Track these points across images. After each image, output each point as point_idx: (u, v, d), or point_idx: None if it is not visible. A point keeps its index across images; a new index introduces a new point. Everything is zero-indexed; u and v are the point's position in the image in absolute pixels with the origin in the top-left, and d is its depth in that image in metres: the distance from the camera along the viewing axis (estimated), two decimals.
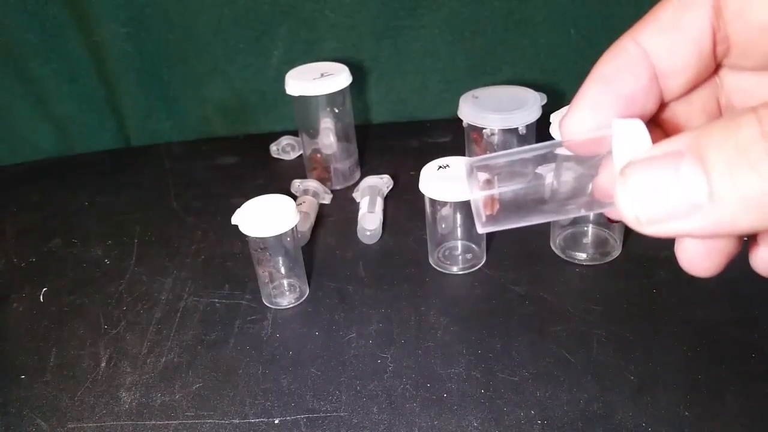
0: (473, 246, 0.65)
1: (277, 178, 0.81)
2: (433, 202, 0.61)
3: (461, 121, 0.73)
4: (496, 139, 0.73)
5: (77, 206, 0.80)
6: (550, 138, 0.58)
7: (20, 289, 0.66)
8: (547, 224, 0.65)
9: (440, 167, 0.60)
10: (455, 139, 0.79)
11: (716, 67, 0.24)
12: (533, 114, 0.70)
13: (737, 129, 0.18)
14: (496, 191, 0.25)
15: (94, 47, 0.83)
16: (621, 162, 0.22)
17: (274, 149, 0.87)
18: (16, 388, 0.54)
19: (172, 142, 0.93)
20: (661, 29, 0.24)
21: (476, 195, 0.25)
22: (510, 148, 0.75)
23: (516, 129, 0.70)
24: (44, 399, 0.53)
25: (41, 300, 0.64)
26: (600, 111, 0.24)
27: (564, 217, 0.29)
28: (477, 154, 0.74)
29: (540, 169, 0.25)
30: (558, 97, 0.84)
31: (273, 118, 0.92)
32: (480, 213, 0.25)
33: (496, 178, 0.25)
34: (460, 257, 0.65)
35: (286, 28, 0.84)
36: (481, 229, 0.26)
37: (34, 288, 0.66)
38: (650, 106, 0.25)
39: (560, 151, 0.26)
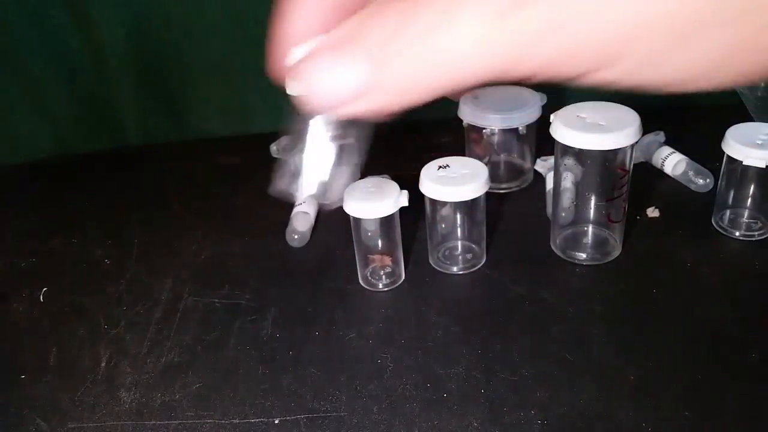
0: (473, 246, 0.65)
1: None
2: (433, 202, 0.61)
3: (461, 121, 0.72)
4: (496, 139, 0.73)
5: (77, 206, 0.80)
6: (551, 138, 0.58)
7: (20, 289, 0.66)
8: (547, 224, 0.65)
9: (440, 167, 0.60)
10: (455, 139, 0.79)
11: None
12: (533, 114, 0.70)
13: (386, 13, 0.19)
14: None
15: (94, 47, 0.83)
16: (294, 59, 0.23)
17: (274, 149, 0.87)
18: (16, 388, 0.54)
19: (172, 142, 0.93)
20: None
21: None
22: (510, 147, 0.75)
23: (516, 129, 0.70)
24: (44, 399, 0.53)
25: (41, 300, 0.64)
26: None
27: None
28: (477, 154, 0.74)
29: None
30: (558, 97, 0.84)
31: (273, 118, 0.92)
32: None
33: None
34: (460, 257, 0.65)
35: None
36: None
37: (34, 288, 0.66)
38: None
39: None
